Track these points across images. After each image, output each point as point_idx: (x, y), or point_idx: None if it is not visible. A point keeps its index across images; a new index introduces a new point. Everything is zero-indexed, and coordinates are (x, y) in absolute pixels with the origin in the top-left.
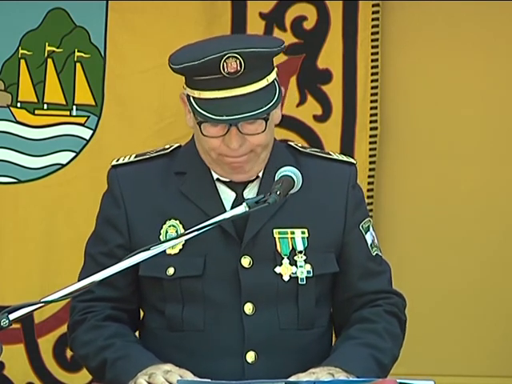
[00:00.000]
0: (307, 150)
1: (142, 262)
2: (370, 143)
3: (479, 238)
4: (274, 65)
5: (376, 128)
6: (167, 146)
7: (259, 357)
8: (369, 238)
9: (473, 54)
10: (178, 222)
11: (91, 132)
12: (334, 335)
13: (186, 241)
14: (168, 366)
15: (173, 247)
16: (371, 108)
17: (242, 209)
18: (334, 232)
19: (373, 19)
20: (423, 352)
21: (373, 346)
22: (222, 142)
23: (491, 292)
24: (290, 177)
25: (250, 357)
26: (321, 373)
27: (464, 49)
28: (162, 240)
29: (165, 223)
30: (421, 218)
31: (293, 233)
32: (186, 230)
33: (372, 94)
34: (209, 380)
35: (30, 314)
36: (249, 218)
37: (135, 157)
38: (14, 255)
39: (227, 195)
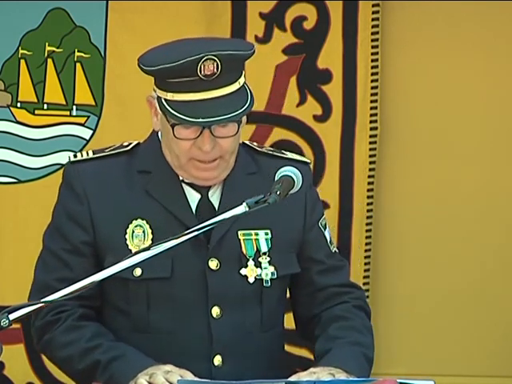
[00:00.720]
0: (263, 150)
1: (108, 261)
2: (370, 143)
3: (479, 238)
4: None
5: (376, 128)
6: (126, 143)
7: (226, 360)
8: (327, 234)
9: (473, 54)
10: (144, 221)
11: (91, 132)
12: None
13: (152, 241)
14: (168, 367)
15: (139, 247)
16: (371, 108)
17: (241, 209)
18: (295, 231)
19: (373, 19)
20: (423, 352)
21: (360, 344)
22: (194, 144)
23: (491, 292)
24: (290, 177)
25: (218, 360)
26: (321, 373)
27: (464, 49)
28: (127, 239)
29: (131, 223)
30: (421, 217)
31: (257, 234)
32: (152, 230)
33: (372, 94)
34: (208, 380)
35: (30, 313)
36: None
37: (93, 153)
38: (14, 255)
39: (193, 196)
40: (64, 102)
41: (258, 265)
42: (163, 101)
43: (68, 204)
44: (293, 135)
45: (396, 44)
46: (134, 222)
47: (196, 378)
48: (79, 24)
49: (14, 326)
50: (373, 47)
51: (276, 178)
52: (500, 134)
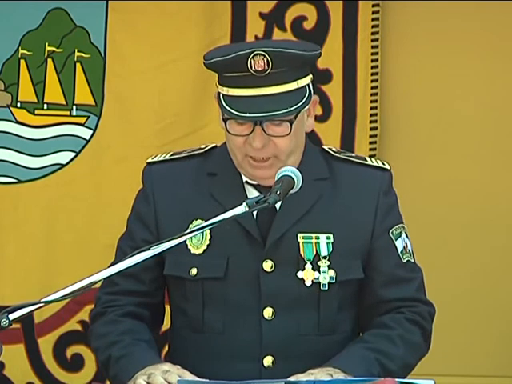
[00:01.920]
0: (340, 155)
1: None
2: (370, 143)
3: (479, 238)
4: (310, 71)
5: (376, 128)
6: (203, 146)
7: (276, 362)
8: (399, 244)
9: (473, 54)
10: (204, 222)
11: (91, 132)
12: None
13: (210, 241)
14: (167, 366)
15: (197, 247)
16: (371, 108)
17: (241, 209)
18: (361, 238)
19: (373, 19)
20: None
21: (380, 351)
22: (246, 141)
23: (491, 292)
24: (290, 177)
25: (267, 361)
26: (319, 373)
27: (464, 49)
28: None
29: (191, 223)
30: (421, 217)
31: (318, 238)
32: (210, 232)
33: (372, 94)
34: (208, 380)
35: (30, 313)
36: (273, 221)
37: (171, 155)
38: (14, 255)
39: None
40: (64, 102)
41: (316, 268)
42: (220, 95)
43: (139, 204)
44: None
45: (396, 44)
46: (194, 222)
47: (196, 378)
48: (79, 24)
49: (14, 325)
50: (373, 47)
51: (276, 178)
52: (500, 134)
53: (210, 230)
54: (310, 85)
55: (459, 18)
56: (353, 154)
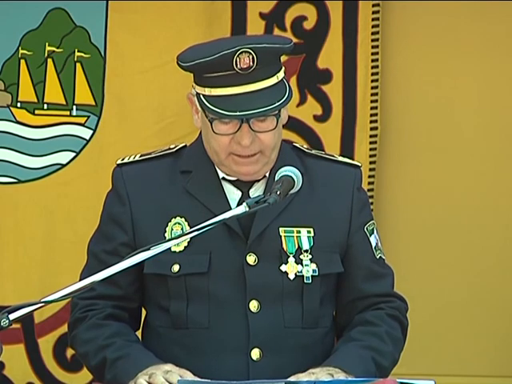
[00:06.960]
0: (312, 152)
1: (147, 259)
2: (371, 143)
3: (479, 239)
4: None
5: (376, 128)
6: (172, 146)
7: (264, 354)
8: (373, 240)
9: (473, 54)
10: (183, 219)
11: (91, 132)
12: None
13: (190, 238)
14: (168, 366)
15: (178, 244)
16: (371, 108)
17: (242, 209)
18: (339, 233)
19: (373, 19)
20: (424, 352)
21: (374, 349)
22: (233, 139)
23: (491, 292)
24: (290, 177)
25: (255, 354)
26: (320, 373)
27: (464, 49)
28: (167, 237)
29: (170, 221)
30: (421, 218)
31: (299, 232)
32: (191, 228)
33: (372, 94)
34: (209, 380)
35: (30, 313)
36: (255, 216)
37: (140, 156)
38: (14, 255)
39: (233, 194)
40: (64, 102)
41: (298, 262)
42: (201, 97)
43: (111, 206)
44: (293, 135)
45: (396, 44)
46: (173, 220)
47: (196, 378)
48: (79, 24)
49: (14, 325)
50: (373, 47)
51: (276, 178)
52: (500, 133)
53: (190, 227)
54: (285, 76)
55: (459, 18)
56: (322, 151)
